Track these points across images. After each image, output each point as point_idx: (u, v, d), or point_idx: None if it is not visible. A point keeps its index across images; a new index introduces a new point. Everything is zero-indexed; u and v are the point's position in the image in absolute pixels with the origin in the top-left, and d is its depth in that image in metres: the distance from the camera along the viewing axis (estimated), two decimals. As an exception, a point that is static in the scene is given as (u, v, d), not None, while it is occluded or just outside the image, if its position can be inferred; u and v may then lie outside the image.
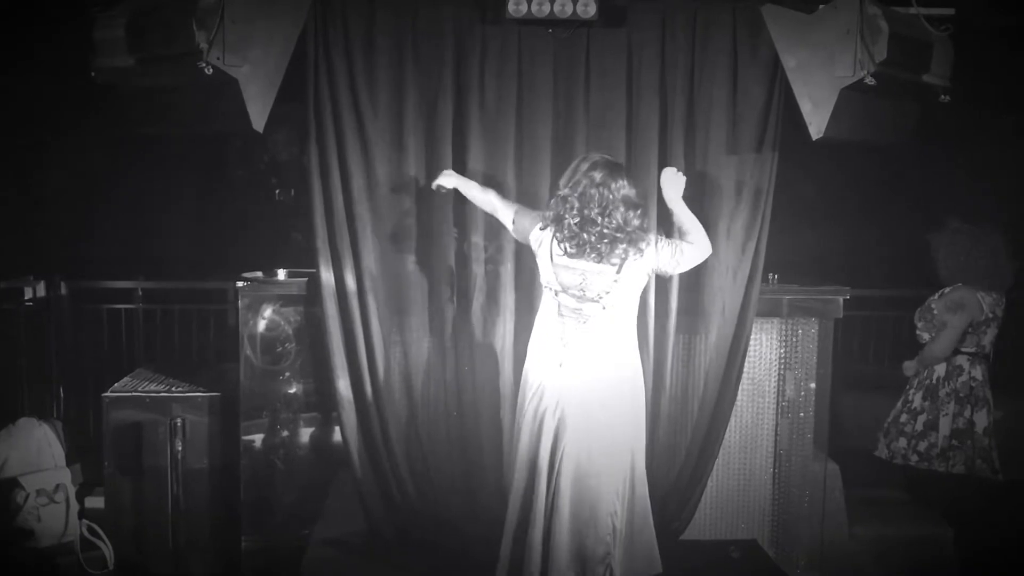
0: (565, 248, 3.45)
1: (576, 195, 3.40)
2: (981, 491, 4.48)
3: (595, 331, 3.48)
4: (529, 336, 3.63)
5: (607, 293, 3.44)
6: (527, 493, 3.48)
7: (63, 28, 4.56)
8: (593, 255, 3.41)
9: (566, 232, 3.42)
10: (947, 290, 4.51)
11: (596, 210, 3.37)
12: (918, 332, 4.60)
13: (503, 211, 3.69)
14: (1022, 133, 5.66)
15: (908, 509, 4.68)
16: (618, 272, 3.43)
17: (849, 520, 4.43)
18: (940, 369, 4.49)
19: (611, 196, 3.37)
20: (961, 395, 4.44)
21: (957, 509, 4.55)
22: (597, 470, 3.44)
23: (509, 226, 3.68)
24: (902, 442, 4.52)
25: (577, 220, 3.39)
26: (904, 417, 4.55)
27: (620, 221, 3.38)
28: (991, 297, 4.45)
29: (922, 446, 4.46)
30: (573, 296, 3.46)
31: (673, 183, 3.60)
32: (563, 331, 3.49)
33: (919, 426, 4.49)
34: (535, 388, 3.50)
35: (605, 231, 3.38)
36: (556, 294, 3.49)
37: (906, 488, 4.77)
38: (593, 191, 3.38)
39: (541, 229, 3.53)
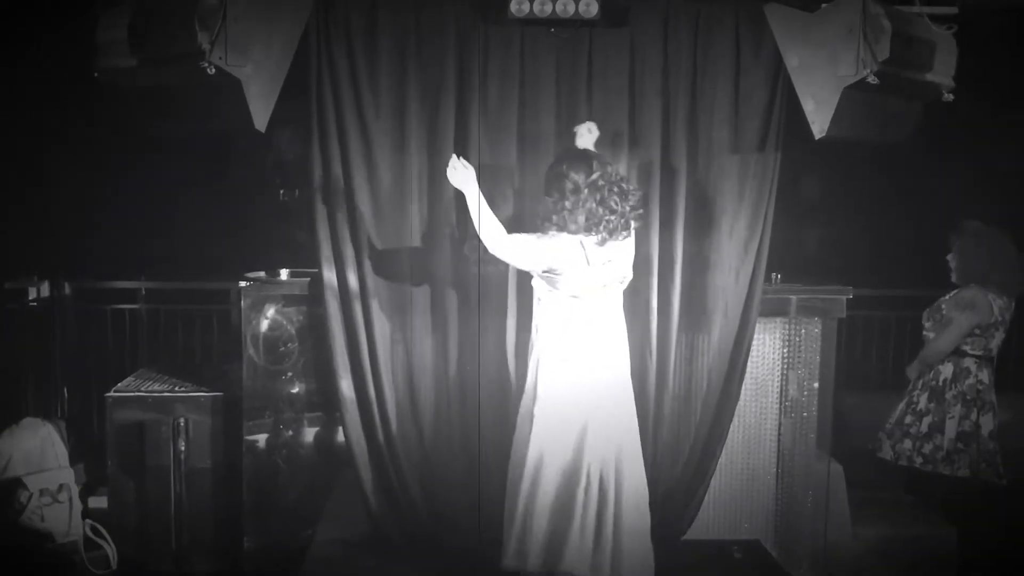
0: (603, 238, 3.47)
1: (605, 179, 3.46)
2: (984, 493, 4.47)
3: (609, 321, 3.55)
4: (530, 335, 3.64)
5: (627, 267, 3.58)
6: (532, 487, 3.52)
7: (66, 28, 4.57)
8: (624, 232, 3.50)
9: (611, 219, 3.45)
10: (958, 290, 4.49)
11: (627, 184, 3.53)
12: (925, 332, 4.56)
13: (525, 255, 3.51)
14: (1026, 131, 5.64)
15: (911, 510, 4.66)
16: (633, 243, 3.58)
17: (852, 520, 4.42)
18: (947, 371, 4.45)
19: (622, 171, 3.59)
20: (968, 398, 4.40)
21: (960, 511, 4.54)
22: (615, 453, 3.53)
23: (537, 267, 3.51)
24: (907, 444, 4.49)
25: (619, 200, 3.46)
26: (909, 418, 4.52)
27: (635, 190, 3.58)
28: (1002, 300, 4.40)
29: (927, 448, 4.43)
30: (603, 287, 3.51)
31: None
32: (581, 329, 3.51)
33: (924, 428, 4.46)
34: (555, 390, 3.51)
35: (636, 203, 3.53)
36: (580, 298, 3.50)
37: (908, 489, 4.75)
38: (611, 170, 3.50)
39: (574, 234, 3.45)
